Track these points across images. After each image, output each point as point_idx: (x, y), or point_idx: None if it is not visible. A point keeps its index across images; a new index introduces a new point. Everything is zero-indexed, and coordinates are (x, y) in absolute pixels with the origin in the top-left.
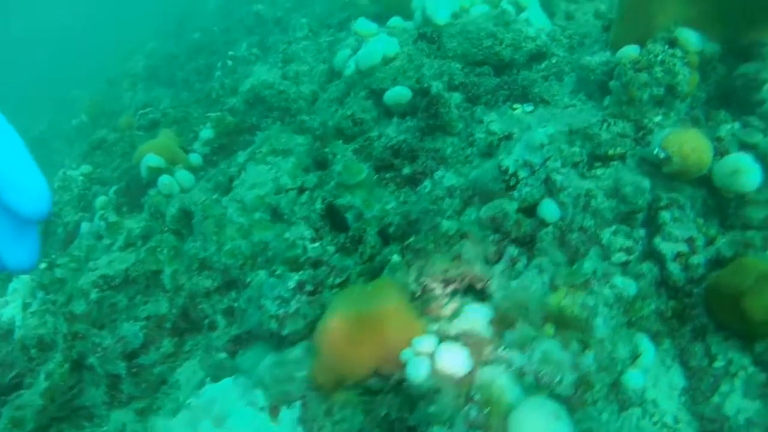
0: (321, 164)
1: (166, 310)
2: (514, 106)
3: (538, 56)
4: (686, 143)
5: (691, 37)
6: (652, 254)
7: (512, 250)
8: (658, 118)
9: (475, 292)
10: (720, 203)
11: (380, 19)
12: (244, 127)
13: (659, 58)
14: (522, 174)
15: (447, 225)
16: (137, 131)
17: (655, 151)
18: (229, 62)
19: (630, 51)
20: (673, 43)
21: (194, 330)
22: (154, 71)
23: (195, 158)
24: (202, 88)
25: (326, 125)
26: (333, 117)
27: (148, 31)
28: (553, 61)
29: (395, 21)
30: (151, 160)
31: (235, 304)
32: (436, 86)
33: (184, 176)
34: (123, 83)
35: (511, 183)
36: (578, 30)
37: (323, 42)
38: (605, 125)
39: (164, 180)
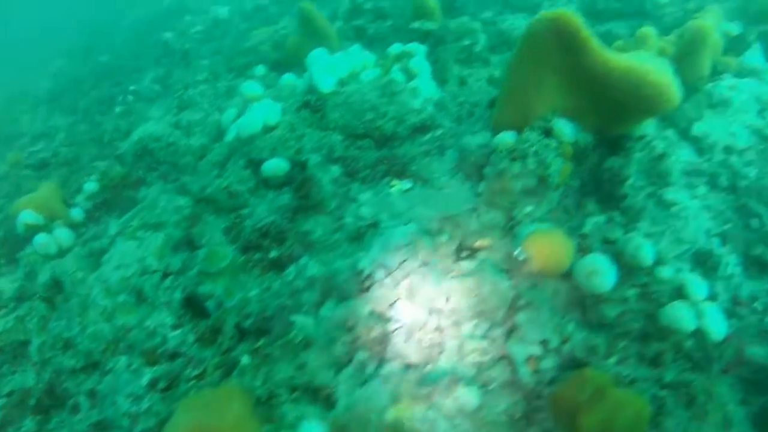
0: (190, 242)
1: (33, 383)
2: (392, 183)
3: (422, 128)
4: (546, 246)
5: (565, 128)
6: (506, 355)
7: (361, 355)
8: (529, 209)
9: (320, 398)
10: (581, 298)
11: (280, 66)
12: (130, 182)
13: (533, 148)
14: (377, 276)
15: (299, 325)
16: (25, 169)
17: (516, 252)
18: (131, 97)
19: (507, 138)
20: (548, 132)
21: (59, 407)
22: (57, 94)
23: (77, 213)
24: (101, 121)
25: (205, 191)
26: (212, 183)
27: (60, 44)
28: (438, 133)
29: (287, 79)
30: (28, 217)
31: (98, 387)
32: (314, 160)
33: (62, 234)
34: (23, 104)
35: (366, 285)
36: (469, 98)
37: (222, 86)
38: (476, 214)
39: (40, 239)
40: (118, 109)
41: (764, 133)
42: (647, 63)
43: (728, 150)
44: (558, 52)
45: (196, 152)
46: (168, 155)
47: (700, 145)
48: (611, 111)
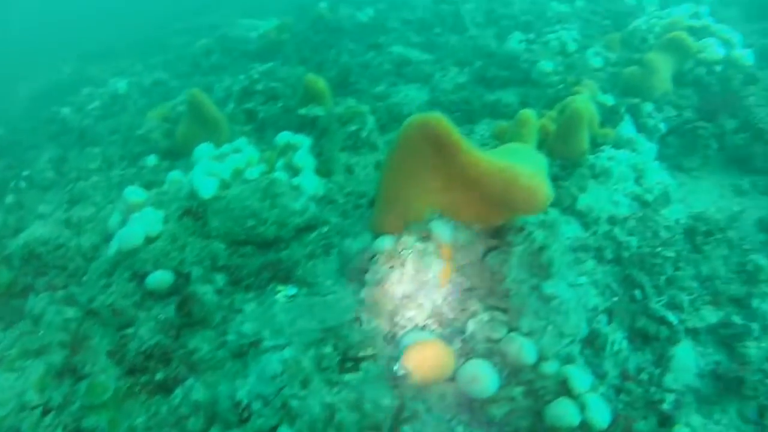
0: (73, 369)
1: None
2: (278, 288)
3: (307, 228)
4: (425, 359)
5: (443, 230)
6: None
7: None
8: (410, 313)
9: None
10: (469, 399)
11: (171, 155)
12: (16, 291)
13: (411, 255)
14: (255, 406)
15: None
16: None
17: (395, 368)
18: (23, 183)
19: (385, 243)
20: (426, 235)
21: None
22: None
23: None
24: None
25: (92, 303)
26: (98, 297)
27: None
28: (324, 230)
29: (173, 176)
30: None
31: None
32: (196, 273)
33: None
34: None
35: (244, 416)
36: (357, 187)
37: (115, 176)
38: (358, 324)
39: None
40: (9, 198)
41: (643, 199)
42: (519, 164)
43: (612, 220)
44: (430, 155)
45: (87, 253)
46: (57, 259)
47: (585, 220)
48: (487, 208)
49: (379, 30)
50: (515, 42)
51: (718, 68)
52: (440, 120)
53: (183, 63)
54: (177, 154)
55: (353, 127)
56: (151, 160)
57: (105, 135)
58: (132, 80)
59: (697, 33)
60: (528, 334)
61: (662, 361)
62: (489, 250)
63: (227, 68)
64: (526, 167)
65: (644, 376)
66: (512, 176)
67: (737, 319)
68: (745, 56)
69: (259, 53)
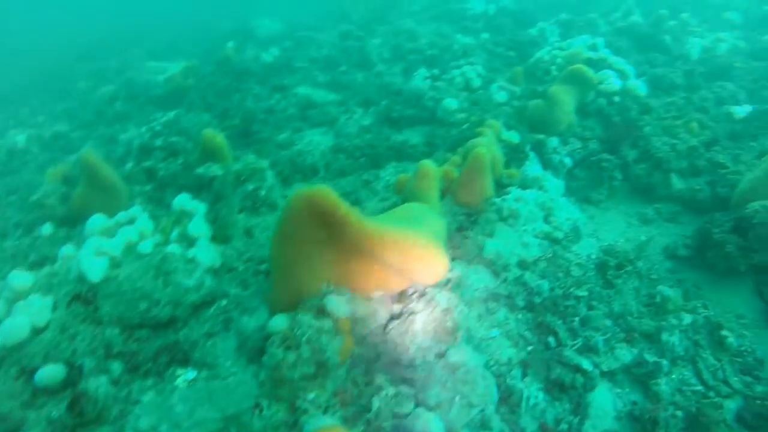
0: None
1: None
2: (177, 372)
3: (204, 304)
4: None
5: (338, 304)
6: None
7: None
8: (312, 395)
9: None
10: None
11: (69, 221)
12: None
13: (306, 336)
14: None
15: None
16: None
17: None
18: None
19: (279, 323)
20: (322, 310)
21: None
22: None
23: None
24: None
25: None
26: None
27: None
28: (222, 304)
29: (66, 251)
30: None
31: None
32: (89, 365)
33: None
34: None
35: None
36: (257, 252)
37: (8, 248)
38: (258, 411)
39: None
40: None
41: (553, 237)
42: (414, 233)
43: (522, 264)
44: (319, 228)
45: None
46: None
47: (494, 267)
48: (385, 277)
49: (285, 70)
50: (420, 79)
51: (617, 99)
52: (326, 194)
53: (86, 111)
54: (74, 220)
55: (251, 186)
56: (47, 228)
57: (2, 196)
58: (32, 132)
59: (596, 65)
60: (435, 408)
61: (580, 409)
62: (392, 318)
63: (132, 116)
64: (421, 236)
65: (563, 427)
66: (406, 247)
67: (649, 357)
68: (638, 86)
69: (164, 99)
